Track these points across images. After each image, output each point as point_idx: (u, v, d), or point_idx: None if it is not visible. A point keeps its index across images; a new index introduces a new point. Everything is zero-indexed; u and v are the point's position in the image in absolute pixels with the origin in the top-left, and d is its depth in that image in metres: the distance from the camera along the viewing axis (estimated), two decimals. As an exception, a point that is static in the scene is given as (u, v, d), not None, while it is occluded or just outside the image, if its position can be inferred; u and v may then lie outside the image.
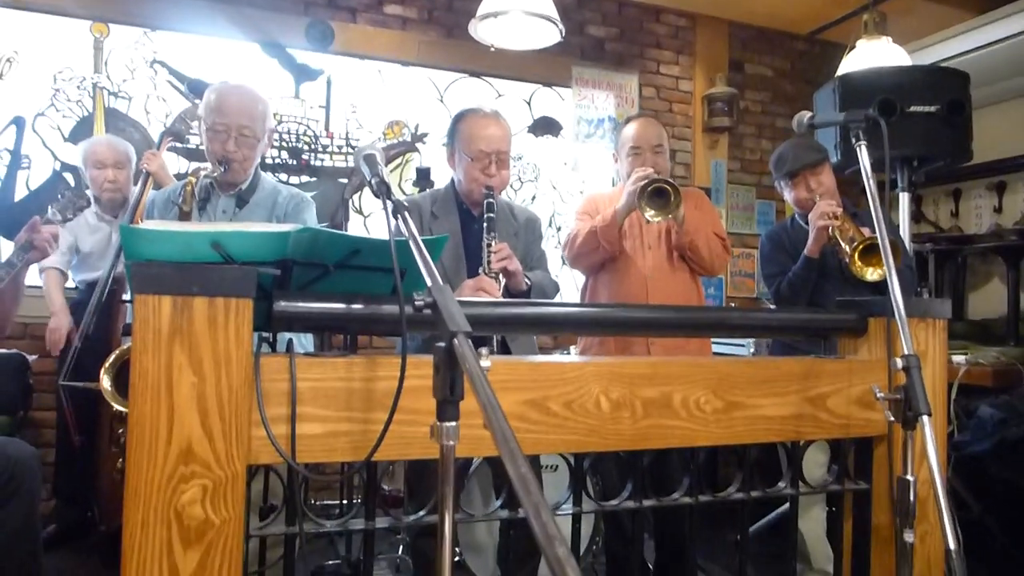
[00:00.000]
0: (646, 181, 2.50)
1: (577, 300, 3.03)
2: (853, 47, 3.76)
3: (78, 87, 3.71)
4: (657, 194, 2.52)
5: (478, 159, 2.27)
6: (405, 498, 2.44)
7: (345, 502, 3.12)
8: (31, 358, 3.29)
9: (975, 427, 2.96)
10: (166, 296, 1.10)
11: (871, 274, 2.48)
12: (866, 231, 2.54)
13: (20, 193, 3.61)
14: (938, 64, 3.88)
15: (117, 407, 2.51)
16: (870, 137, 1.74)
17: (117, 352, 2.58)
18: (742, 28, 5.04)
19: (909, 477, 1.43)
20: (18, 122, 3.60)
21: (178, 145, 3.54)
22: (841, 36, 4.57)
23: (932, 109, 3.01)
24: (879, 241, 1.58)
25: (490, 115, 2.35)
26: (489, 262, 2.11)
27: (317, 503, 3.67)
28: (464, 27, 3.44)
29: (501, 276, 2.11)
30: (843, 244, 2.54)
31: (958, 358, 3.15)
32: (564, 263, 3.06)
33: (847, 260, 2.53)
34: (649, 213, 2.51)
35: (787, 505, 1.78)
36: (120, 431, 2.74)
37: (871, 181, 1.66)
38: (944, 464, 1.84)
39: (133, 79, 3.81)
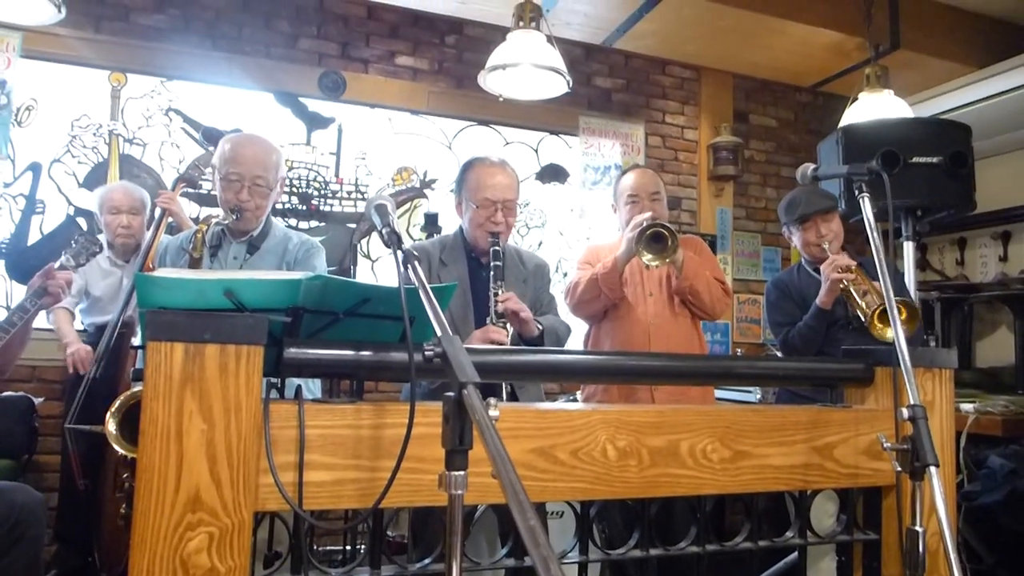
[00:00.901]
0: (644, 226, 2.53)
1: (582, 346, 3.03)
2: (856, 99, 3.82)
3: (94, 134, 3.79)
4: (655, 239, 2.55)
5: (484, 207, 2.30)
6: (409, 545, 2.41)
7: (348, 548, 3.09)
8: (37, 401, 3.29)
9: (985, 477, 2.93)
10: (178, 343, 1.12)
11: (891, 333, 2.48)
12: (878, 284, 2.55)
13: (34, 238, 3.66)
14: (940, 116, 3.94)
15: (122, 452, 2.50)
16: (873, 188, 1.76)
17: (123, 397, 2.57)
18: (746, 80, 5.13)
19: (918, 528, 1.42)
20: (34, 168, 3.67)
21: (190, 191, 3.59)
22: (844, 89, 4.64)
23: (935, 160, 3.04)
24: (885, 298, 1.59)
25: (497, 164, 2.39)
26: (497, 312, 2.12)
27: (319, 549, 3.62)
28: (473, 78, 3.51)
29: (509, 325, 2.13)
30: (856, 298, 2.55)
31: (967, 407, 3.13)
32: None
33: (858, 313, 2.55)
34: (647, 258, 2.53)
35: (795, 554, 1.76)
36: (124, 476, 2.73)
37: (875, 232, 1.68)
38: (954, 515, 1.82)
39: (148, 126, 3.89)
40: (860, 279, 2.58)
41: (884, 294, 1.59)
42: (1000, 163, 4.47)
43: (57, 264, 2.23)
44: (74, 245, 2.32)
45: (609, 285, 2.61)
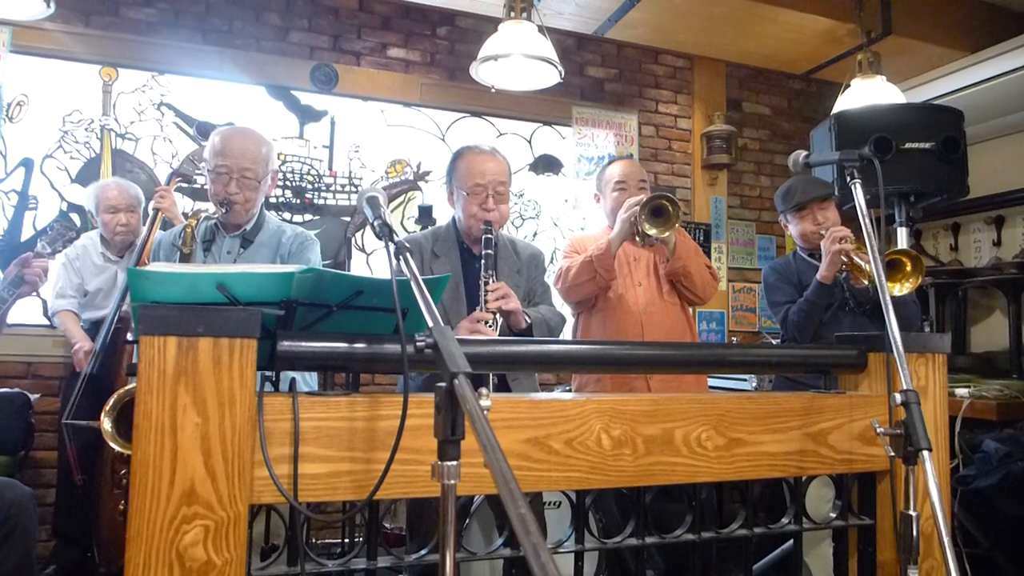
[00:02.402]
0: (644, 200, 2.58)
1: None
2: (848, 86, 3.82)
3: (86, 129, 3.77)
4: (656, 213, 2.59)
5: (475, 193, 2.29)
6: (407, 537, 2.41)
7: (347, 541, 3.10)
8: (33, 397, 3.29)
9: (980, 461, 2.94)
10: (171, 337, 1.12)
11: (897, 290, 2.48)
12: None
13: (27, 234, 3.65)
14: (932, 102, 3.94)
15: (118, 449, 2.50)
16: (866, 174, 1.76)
17: (117, 394, 2.57)
18: (739, 68, 5.12)
19: (912, 512, 1.43)
20: (26, 164, 3.66)
21: (185, 185, 3.58)
22: (836, 75, 4.64)
23: (927, 146, 3.04)
24: (879, 286, 1.59)
25: (486, 151, 2.39)
26: (486, 300, 2.12)
27: (318, 542, 3.63)
28: (466, 69, 3.50)
29: (498, 315, 2.13)
30: (861, 264, 2.53)
31: (961, 391, 3.14)
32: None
33: (864, 282, 2.55)
34: (652, 231, 2.56)
35: (792, 541, 1.77)
36: (122, 472, 2.73)
37: (866, 218, 1.68)
38: (948, 499, 1.83)
39: (140, 121, 3.87)
40: (861, 248, 2.56)
41: (877, 280, 1.59)
42: (993, 148, 4.47)
43: (34, 252, 2.21)
44: (49, 232, 2.32)
45: (604, 265, 2.62)
